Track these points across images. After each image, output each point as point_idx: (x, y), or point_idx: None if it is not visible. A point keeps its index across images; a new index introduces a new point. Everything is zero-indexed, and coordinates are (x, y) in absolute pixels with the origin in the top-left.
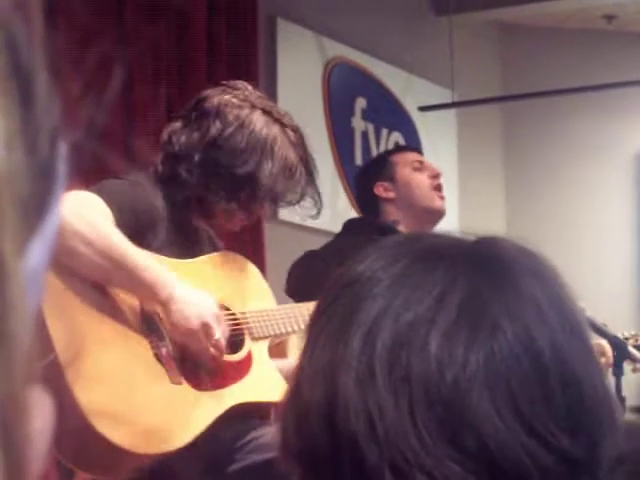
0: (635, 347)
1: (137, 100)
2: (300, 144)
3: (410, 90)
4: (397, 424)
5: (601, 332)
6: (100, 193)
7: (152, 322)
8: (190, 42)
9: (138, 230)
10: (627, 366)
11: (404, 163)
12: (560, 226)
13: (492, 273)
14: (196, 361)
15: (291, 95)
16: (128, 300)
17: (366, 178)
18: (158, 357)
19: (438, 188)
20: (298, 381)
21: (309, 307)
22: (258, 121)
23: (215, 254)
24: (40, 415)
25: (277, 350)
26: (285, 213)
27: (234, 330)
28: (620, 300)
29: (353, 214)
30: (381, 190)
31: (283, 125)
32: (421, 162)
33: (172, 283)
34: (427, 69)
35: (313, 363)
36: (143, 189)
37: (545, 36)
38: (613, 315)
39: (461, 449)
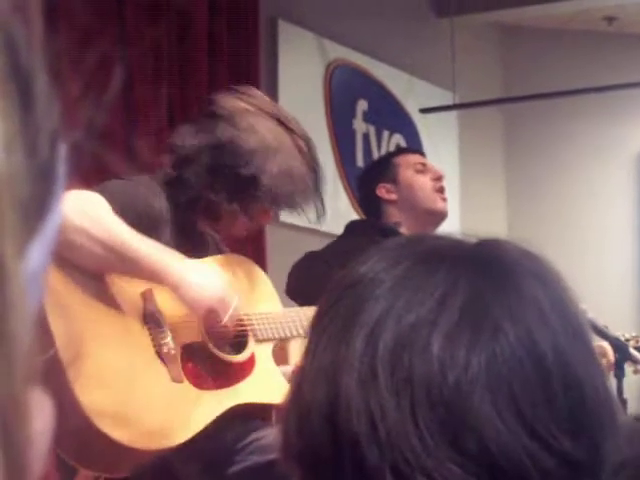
0: (636, 349)
1: (138, 100)
2: (309, 153)
3: (411, 92)
4: (399, 425)
5: (602, 334)
6: (102, 193)
7: (154, 319)
8: (191, 43)
9: (141, 230)
10: (628, 368)
11: (407, 165)
12: (562, 228)
13: (494, 275)
14: (198, 360)
15: (292, 97)
16: (131, 298)
17: (368, 180)
18: (159, 355)
19: (440, 190)
20: (300, 381)
21: (314, 311)
22: (269, 128)
23: (221, 256)
24: (40, 416)
25: (278, 357)
26: (286, 215)
27: (238, 331)
28: (622, 301)
29: (354, 216)
30: (383, 192)
31: (293, 133)
32: (424, 164)
33: (181, 266)
34: (428, 71)
35: (315, 364)
36: (146, 190)
37: (546, 38)
38: (615, 316)
39: (462, 451)
